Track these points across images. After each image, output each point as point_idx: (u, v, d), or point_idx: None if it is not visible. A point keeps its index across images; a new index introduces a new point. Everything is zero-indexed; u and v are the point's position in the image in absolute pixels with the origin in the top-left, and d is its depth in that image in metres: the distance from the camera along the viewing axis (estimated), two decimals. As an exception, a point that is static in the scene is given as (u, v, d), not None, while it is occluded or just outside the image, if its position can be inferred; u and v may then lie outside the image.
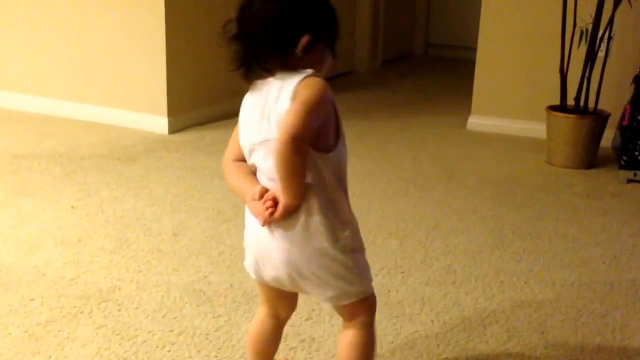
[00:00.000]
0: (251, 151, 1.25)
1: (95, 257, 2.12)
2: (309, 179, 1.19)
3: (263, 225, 1.22)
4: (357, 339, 1.32)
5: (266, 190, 1.22)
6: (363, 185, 2.90)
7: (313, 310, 1.83)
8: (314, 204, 1.20)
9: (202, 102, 3.89)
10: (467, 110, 3.97)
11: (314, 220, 1.21)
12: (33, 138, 3.48)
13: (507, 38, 3.75)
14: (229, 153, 1.33)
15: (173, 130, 3.64)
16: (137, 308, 1.82)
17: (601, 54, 3.21)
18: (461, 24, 6.36)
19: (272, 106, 1.20)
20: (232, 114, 4.24)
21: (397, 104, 4.70)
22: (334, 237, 1.22)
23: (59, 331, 1.70)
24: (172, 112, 3.64)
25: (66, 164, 3.06)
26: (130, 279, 1.98)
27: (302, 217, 1.20)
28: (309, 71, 1.20)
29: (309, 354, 1.63)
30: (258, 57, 1.23)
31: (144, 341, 1.66)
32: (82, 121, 3.79)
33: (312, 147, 1.17)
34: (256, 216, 1.22)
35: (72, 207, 2.54)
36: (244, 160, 1.29)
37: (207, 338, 1.68)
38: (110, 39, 3.71)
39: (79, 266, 2.06)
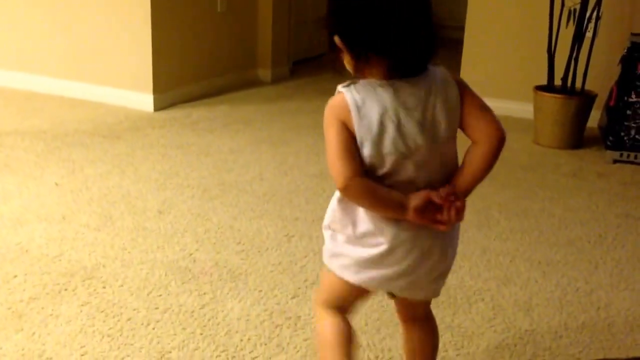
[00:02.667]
0: (400, 160, 1.08)
1: (80, 235, 2.11)
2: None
3: (447, 230, 1.11)
4: (437, 332, 1.33)
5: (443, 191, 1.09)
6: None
7: (299, 288, 1.83)
8: None
9: (187, 79, 3.85)
10: (455, 90, 3.96)
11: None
12: (16, 115, 3.43)
13: (494, 17, 3.73)
14: (353, 172, 1.07)
15: (158, 107, 3.61)
16: (121, 285, 1.81)
17: (589, 35, 3.20)
18: (449, 3, 6.32)
19: (437, 106, 1.08)
20: (218, 92, 4.24)
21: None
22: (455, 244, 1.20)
23: (43, 308, 1.68)
24: (157, 89, 3.60)
25: (50, 141, 3.02)
26: (114, 257, 1.97)
27: None
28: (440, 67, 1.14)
29: (295, 331, 1.63)
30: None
31: (129, 318, 1.65)
32: (66, 98, 3.75)
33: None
34: (434, 223, 1.09)
35: (56, 184, 2.51)
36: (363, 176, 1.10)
37: (192, 315, 1.68)
38: (95, 16, 3.65)
39: (63, 243, 2.04)
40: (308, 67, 4.96)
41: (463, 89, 1.11)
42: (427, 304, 1.29)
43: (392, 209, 1.09)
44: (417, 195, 1.08)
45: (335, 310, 1.23)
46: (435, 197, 1.08)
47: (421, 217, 1.08)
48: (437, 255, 1.14)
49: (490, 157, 1.12)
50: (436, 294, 1.24)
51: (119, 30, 3.60)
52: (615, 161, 3.04)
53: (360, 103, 1.06)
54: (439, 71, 1.12)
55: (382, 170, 1.08)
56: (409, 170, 1.08)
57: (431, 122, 1.08)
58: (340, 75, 1.14)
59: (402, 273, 1.14)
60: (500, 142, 1.11)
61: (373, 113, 1.06)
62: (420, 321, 1.31)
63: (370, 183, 1.07)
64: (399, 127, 1.06)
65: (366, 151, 1.06)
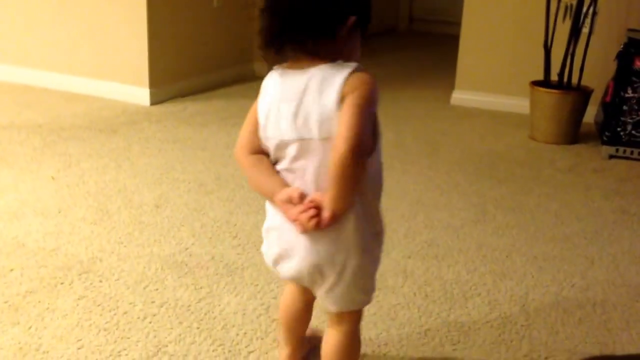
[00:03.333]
0: (279, 147, 1.13)
1: (76, 228, 2.10)
2: None
3: (302, 232, 1.11)
4: (344, 345, 1.27)
5: (304, 194, 1.11)
6: (346, 158, 2.89)
7: (296, 282, 1.83)
8: (353, 211, 1.12)
9: (184, 73, 3.84)
10: (451, 85, 3.97)
11: (349, 228, 1.13)
12: (13, 108, 3.42)
13: (491, 13, 3.73)
14: (246, 143, 1.18)
15: (155, 101, 3.60)
16: (118, 279, 1.81)
17: (585, 30, 3.21)
18: (446, -1, 6.34)
19: (313, 101, 1.08)
20: (214, 86, 4.23)
21: (380, 78, 4.61)
22: (365, 248, 1.16)
23: (39, 302, 1.68)
24: (153, 83, 3.59)
25: (46, 134, 3.01)
26: (111, 251, 1.97)
27: (337, 225, 1.11)
28: (353, 65, 1.09)
29: (292, 325, 1.63)
30: (298, 36, 1.09)
31: (125, 312, 1.65)
32: (63, 92, 3.74)
33: None
34: (292, 221, 1.11)
35: (53, 178, 2.51)
36: (261, 152, 1.17)
37: (189, 309, 1.68)
38: (91, 9, 3.64)
39: (59, 237, 2.04)
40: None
41: (349, 94, 1.08)
42: (336, 314, 1.25)
43: (265, 193, 1.16)
44: (286, 190, 1.12)
45: (291, 285, 1.36)
46: (294, 197, 1.10)
47: (285, 211, 1.13)
48: (302, 253, 1.14)
49: (333, 168, 1.06)
50: (339, 306, 1.21)
51: (115, 24, 3.59)
52: (611, 157, 3.05)
53: (264, 85, 1.19)
54: (335, 70, 1.10)
55: (271, 154, 1.16)
56: (287, 161, 1.13)
57: (304, 119, 1.09)
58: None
59: (278, 257, 1.21)
60: (340, 156, 1.04)
61: (267, 98, 1.15)
62: (335, 330, 1.28)
63: (254, 161, 1.16)
64: (277, 116, 1.13)
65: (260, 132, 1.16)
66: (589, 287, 1.90)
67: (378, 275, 1.87)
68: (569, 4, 3.16)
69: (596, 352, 1.61)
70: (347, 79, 1.07)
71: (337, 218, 1.10)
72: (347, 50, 1.12)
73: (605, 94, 3.16)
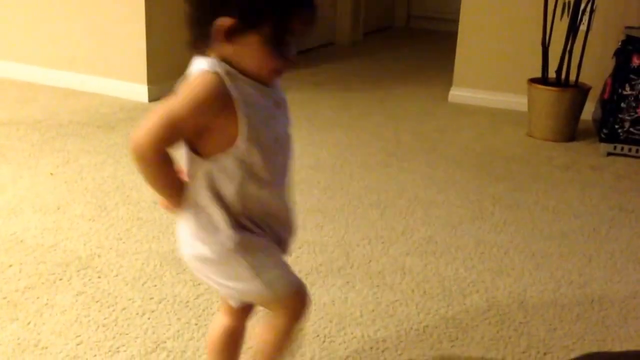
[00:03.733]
0: None
1: (75, 225, 2.10)
2: (189, 178, 1.10)
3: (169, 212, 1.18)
4: (264, 338, 1.23)
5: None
6: (344, 155, 2.90)
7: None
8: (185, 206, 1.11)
9: (182, 70, 3.82)
10: (449, 82, 3.97)
11: (181, 222, 1.14)
12: (12, 105, 3.41)
13: (489, 10, 3.73)
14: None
15: (153, 98, 3.60)
16: (116, 275, 1.81)
17: (583, 27, 3.21)
18: (444, -4, 6.34)
19: None
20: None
21: (378, 75, 4.68)
22: (191, 244, 1.13)
23: (38, 298, 1.68)
24: (151, 80, 3.59)
25: (45, 131, 3.01)
26: (109, 247, 1.97)
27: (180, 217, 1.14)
28: (210, 61, 1.04)
29: (290, 321, 1.63)
30: (190, 30, 1.11)
31: (124, 308, 1.66)
32: (60, 88, 3.73)
33: (191, 147, 1.07)
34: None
35: (51, 174, 2.51)
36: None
37: (187, 306, 1.68)
38: (90, 6, 3.63)
39: (58, 233, 2.04)
40: (302, 59, 4.95)
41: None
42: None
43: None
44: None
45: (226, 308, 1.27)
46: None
47: None
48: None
49: None
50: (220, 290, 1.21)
51: (114, 20, 3.58)
52: (609, 154, 3.05)
53: None
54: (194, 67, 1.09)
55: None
56: None
57: None
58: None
59: None
60: (131, 153, 1.03)
61: None
62: (265, 321, 1.24)
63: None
64: None
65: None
66: (587, 284, 1.91)
67: (376, 272, 1.90)
68: (566, 2, 3.16)
69: (594, 348, 1.62)
70: (190, 77, 1.07)
71: (164, 206, 1.15)
72: (238, 56, 1.04)
73: (603, 91, 3.17)
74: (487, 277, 1.92)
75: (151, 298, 1.71)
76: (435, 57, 5.20)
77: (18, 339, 1.52)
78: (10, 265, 1.83)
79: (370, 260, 1.97)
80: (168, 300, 1.70)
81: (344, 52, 5.42)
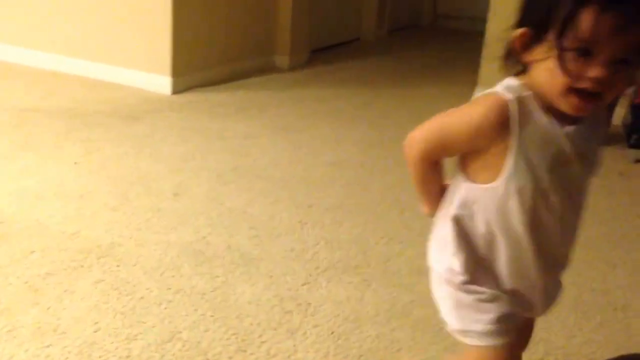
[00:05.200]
0: None
1: (96, 213, 2.13)
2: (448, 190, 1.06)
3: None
4: None
5: None
6: (367, 153, 2.90)
7: (310, 275, 1.85)
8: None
9: (205, 63, 3.87)
10: (474, 82, 3.94)
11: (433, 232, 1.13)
12: (37, 93, 3.46)
13: (517, 9, 3.69)
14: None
15: (176, 90, 3.63)
16: (135, 265, 1.83)
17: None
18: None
19: None
20: (235, 77, 4.23)
21: (402, 73, 4.67)
22: (431, 256, 1.14)
23: (59, 284, 1.71)
24: (175, 72, 3.62)
25: (70, 120, 3.05)
26: (129, 236, 1.99)
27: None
28: (507, 84, 0.96)
29: (305, 317, 1.65)
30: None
31: (142, 297, 1.68)
32: (86, 78, 3.78)
33: (462, 160, 1.02)
34: None
35: (75, 163, 2.54)
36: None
37: (204, 297, 1.70)
38: (116, -5, 3.68)
39: (80, 221, 2.07)
40: (326, 55, 4.95)
41: None
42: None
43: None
44: None
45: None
46: None
47: None
48: None
49: None
50: None
51: (140, 12, 3.61)
52: (637, 160, 3.01)
53: None
54: None
55: None
56: None
57: None
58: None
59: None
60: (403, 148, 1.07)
61: None
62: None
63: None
64: None
65: None
66: (610, 292, 1.89)
67: (394, 272, 1.90)
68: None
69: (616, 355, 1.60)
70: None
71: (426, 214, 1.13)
72: (536, 76, 0.94)
73: (635, 95, 3.12)
74: (503, 281, 1.91)
75: (169, 288, 1.73)
76: (461, 57, 5.18)
77: (38, 323, 1.55)
78: (33, 251, 1.87)
79: (388, 260, 1.98)
80: (185, 292, 1.72)
81: (368, 49, 5.41)
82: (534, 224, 0.97)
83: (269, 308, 1.67)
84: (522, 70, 0.96)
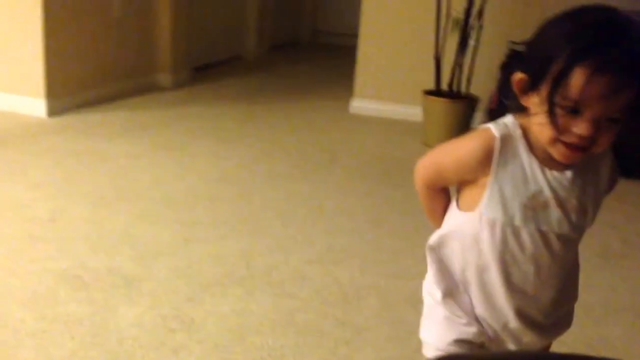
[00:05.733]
0: None
1: (-36, 246, 2.03)
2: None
3: None
4: None
5: None
6: (250, 168, 2.93)
7: (195, 292, 1.84)
8: None
9: (83, 84, 3.76)
10: (351, 95, 4.08)
11: None
12: None
13: (386, 26, 3.87)
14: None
15: (52, 113, 3.50)
16: (6, 296, 1.76)
17: (472, 42, 3.38)
18: (348, 12, 6.47)
19: None
20: (116, 97, 4.13)
21: (283, 89, 4.74)
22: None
23: None
24: (51, 94, 3.50)
25: None
26: (1, 266, 1.91)
27: None
28: (501, 121, 1.00)
29: (189, 335, 1.64)
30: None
31: (15, 329, 1.61)
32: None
33: (456, 196, 1.07)
34: None
35: (-61, 194, 2.41)
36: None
37: (82, 324, 1.65)
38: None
39: (-55, 255, 1.97)
40: (209, 73, 4.95)
41: None
42: None
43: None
44: None
45: None
46: None
47: None
48: None
49: None
50: None
51: (10, 33, 3.47)
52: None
53: None
54: None
55: None
56: None
57: None
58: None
59: None
60: None
61: None
62: None
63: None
64: None
65: None
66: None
67: (277, 281, 1.93)
68: (456, 19, 3.33)
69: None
70: None
71: None
72: (532, 119, 0.97)
73: (490, 101, 3.33)
74: (381, 281, 1.99)
75: (44, 318, 1.67)
76: (338, 71, 5.32)
77: None
78: None
79: (271, 270, 2.01)
80: (61, 319, 1.67)
81: (250, 66, 5.46)
82: (504, 258, 1.00)
83: (151, 328, 1.66)
84: (523, 108, 0.98)
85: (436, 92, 3.40)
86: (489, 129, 0.99)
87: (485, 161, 0.97)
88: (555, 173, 0.97)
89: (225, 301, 1.81)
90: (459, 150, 1.02)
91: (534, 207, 0.97)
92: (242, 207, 2.48)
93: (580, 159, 0.94)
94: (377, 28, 3.89)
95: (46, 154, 2.92)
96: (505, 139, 0.97)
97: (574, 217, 0.98)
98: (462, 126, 3.37)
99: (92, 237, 2.13)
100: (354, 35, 4.74)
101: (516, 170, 0.97)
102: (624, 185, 3.07)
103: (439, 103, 3.35)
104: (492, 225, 0.98)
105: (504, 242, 0.99)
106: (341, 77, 4.97)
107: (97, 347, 1.56)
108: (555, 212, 0.97)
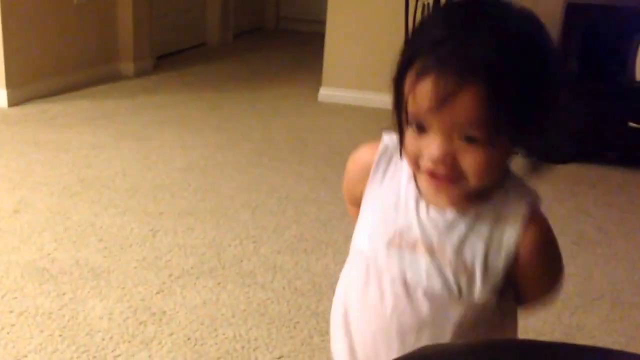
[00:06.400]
0: None
1: None
2: None
3: None
4: None
5: None
6: (215, 157, 2.89)
7: (164, 283, 1.82)
8: None
9: (44, 73, 3.67)
10: (319, 83, 4.06)
11: None
12: None
13: (354, 11, 3.85)
14: None
15: (12, 102, 3.42)
16: (-28, 290, 1.72)
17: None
18: (312, -2, 6.46)
19: None
20: (77, 86, 4.05)
21: (248, 76, 4.70)
22: None
23: None
24: (10, 83, 3.41)
25: None
26: (-36, 261, 1.86)
27: None
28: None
29: (159, 327, 1.62)
30: None
31: (-19, 324, 1.58)
32: None
33: None
34: None
35: None
36: None
37: (50, 317, 1.62)
38: None
39: None
40: (173, 60, 4.88)
41: None
42: None
43: None
44: None
45: None
46: None
47: None
48: None
49: None
50: None
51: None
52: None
53: None
54: None
55: None
56: None
57: None
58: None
59: None
60: None
61: None
62: None
63: None
64: None
65: None
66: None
67: (247, 272, 1.92)
68: (425, 3, 3.33)
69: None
70: None
71: None
72: None
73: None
74: (354, 271, 1.99)
75: (11, 312, 1.63)
76: (305, 58, 5.29)
77: None
78: None
79: (241, 260, 1.99)
80: (29, 313, 1.63)
81: (214, 53, 5.39)
82: (364, 299, 0.82)
83: (121, 321, 1.63)
84: None
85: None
86: (378, 142, 0.84)
87: (366, 173, 0.83)
88: (433, 210, 0.77)
89: (196, 292, 1.79)
90: (352, 157, 0.88)
91: (400, 246, 0.78)
92: (209, 197, 2.45)
93: (456, 195, 0.75)
94: (344, 14, 3.88)
95: (6, 145, 2.84)
96: (388, 154, 0.82)
97: (449, 274, 0.76)
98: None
99: (58, 229, 2.09)
100: (319, 22, 4.72)
101: (391, 193, 0.80)
102: (597, 171, 3.14)
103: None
104: (359, 256, 0.83)
105: (366, 282, 0.81)
106: (308, 63, 4.95)
107: (66, 340, 1.53)
108: (423, 260, 0.77)
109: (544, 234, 0.77)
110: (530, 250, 0.76)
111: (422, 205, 0.78)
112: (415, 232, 0.77)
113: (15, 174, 2.52)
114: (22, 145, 2.85)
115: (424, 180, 0.74)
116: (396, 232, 0.78)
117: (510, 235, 0.75)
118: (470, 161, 0.70)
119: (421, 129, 0.71)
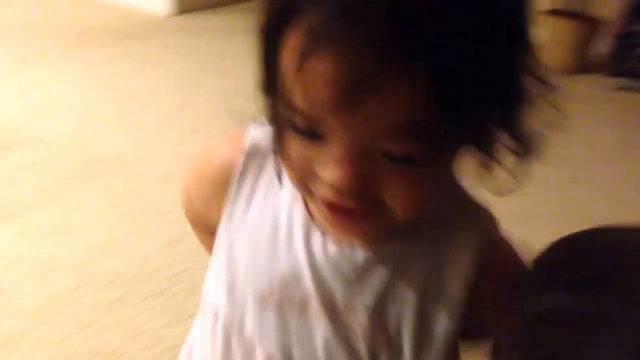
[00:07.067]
0: None
1: (101, 126, 2.20)
2: None
3: None
4: None
5: None
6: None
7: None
8: None
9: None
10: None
11: None
12: (37, 12, 3.46)
13: None
14: None
15: (179, 11, 3.61)
16: (142, 173, 1.92)
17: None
18: None
19: None
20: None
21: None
22: None
23: (69, 189, 1.80)
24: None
25: (69, 38, 3.07)
26: (135, 147, 2.07)
27: None
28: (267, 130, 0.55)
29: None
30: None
31: (150, 201, 1.77)
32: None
33: None
34: None
35: (76, 81, 2.59)
36: None
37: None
38: None
39: (86, 133, 2.14)
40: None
41: None
42: None
43: None
44: None
45: None
46: None
47: None
48: None
49: None
50: None
51: None
52: (619, 88, 3.07)
53: None
54: None
55: None
56: None
57: None
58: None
59: None
60: None
61: None
62: None
63: None
64: None
65: None
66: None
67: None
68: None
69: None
70: None
71: None
72: None
73: (617, 25, 3.13)
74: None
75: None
76: None
77: (52, 223, 1.64)
78: (43, 158, 1.94)
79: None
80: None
81: None
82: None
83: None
84: None
85: (556, 12, 3.14)
86: (241, 135, 0.55)
87: (224, 184, 0.54)
88: (333, 246, 0.50)
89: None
90: (202, 156, 0.58)
91: (281, 305, 0.51)
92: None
93: (373, 233, 0.48)
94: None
95: (171, 49, 3.05)
96: (260, 156, 0.53)
97: (361, 347, 0.50)
98: (583, 50, 3.17)
99: (220, 126, 2.24)
100: None
101: (265, 218, 0.52)
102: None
103: (558, 24, 3.10)
104: (214, 317, 0.54)
105: (227, 355, 0.53)
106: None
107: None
108: (320, 327, 0.50)
109: (510, 265, 0.50)
110: (494, 287, 0.49)
111: (316, 237, 0.50)
112: (306, 282, 0.49)
113: (178, 75, 2.71)
114: (186, 50, 3.04)
115: (316, 210, 0.47)
116: (274, 282, 0.50)
117: (459, 277, 0.49)
118: (398, 189, 0.42)
119: (314, 134, 0.42)
